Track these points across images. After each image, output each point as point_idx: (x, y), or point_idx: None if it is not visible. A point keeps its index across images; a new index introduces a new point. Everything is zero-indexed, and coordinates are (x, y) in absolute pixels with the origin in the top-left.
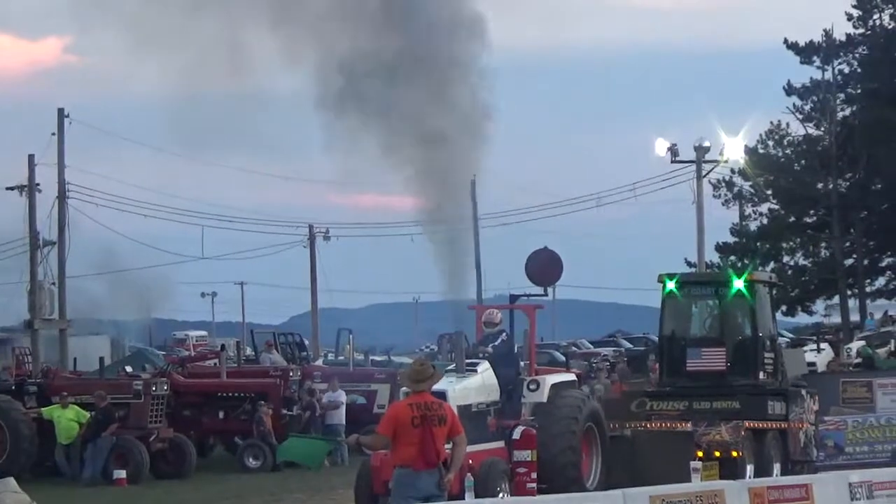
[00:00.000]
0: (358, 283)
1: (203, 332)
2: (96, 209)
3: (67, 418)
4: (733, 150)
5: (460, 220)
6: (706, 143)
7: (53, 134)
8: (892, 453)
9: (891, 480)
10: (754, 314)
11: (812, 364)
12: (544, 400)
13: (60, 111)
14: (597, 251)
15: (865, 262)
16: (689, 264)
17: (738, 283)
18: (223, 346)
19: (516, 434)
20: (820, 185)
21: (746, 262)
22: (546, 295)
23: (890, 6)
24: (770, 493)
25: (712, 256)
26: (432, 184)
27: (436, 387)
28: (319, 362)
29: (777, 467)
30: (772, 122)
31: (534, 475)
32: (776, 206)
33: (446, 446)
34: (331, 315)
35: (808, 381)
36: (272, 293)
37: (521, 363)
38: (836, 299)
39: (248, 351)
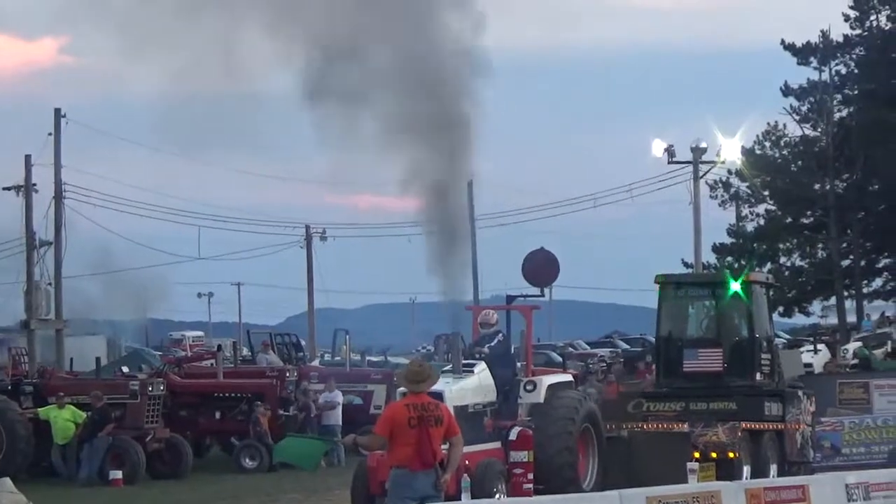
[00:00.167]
0: (354, 284)
1: (200, 333)
2: (93, 209)
3: (64, 418)
4: (730, 150)
5: (457, 220)
6: (703, 144)
7: (50, 134)
8: (889, 454)
9: (887, 482)
10: (751, 315)
11: (809, 365)
12: (541, 401)
13: (57, 111)
14: (594, 252)
15: (862, 263)
16: (686, 265)
17: (735, 285)
18: (220, 347)
19: (513, 435)
20: (817, 186)
21: (743, 263)
22: (543, 296)
23: (887, 7)
24: (767, 495)
25: (709, 257)
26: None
27: (432, 387)
28: (316, 363)
29: (774, 468)
30: (769, 123)
31: (530, 476)
32: (773, 207)
33: (443, 447)
34: (327, 315)
35: (805, 382)
36: (269, 294)
37: (518, 364)
38: (833, 300)
39: (245, 351)
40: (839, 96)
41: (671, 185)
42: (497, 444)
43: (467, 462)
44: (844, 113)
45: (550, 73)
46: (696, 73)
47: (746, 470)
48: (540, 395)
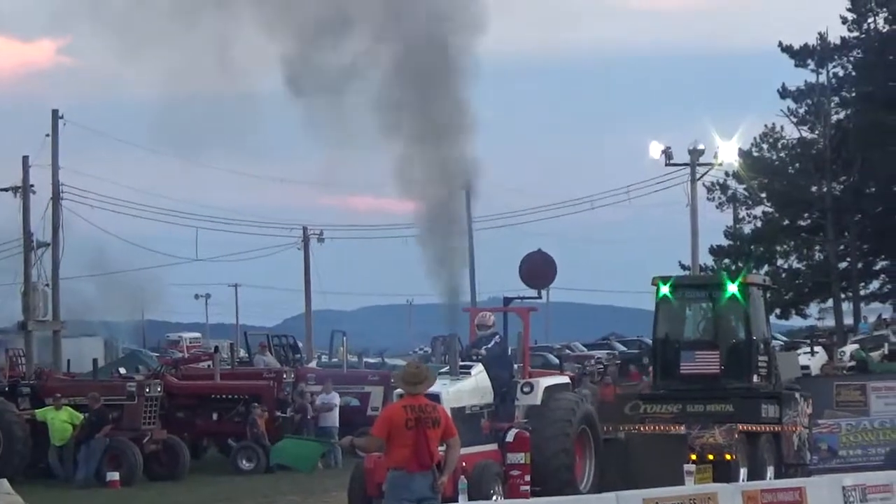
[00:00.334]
0: (352, 286)
1: (197, 334)
2: (90, 211)
3: (61, 420)
4: (727, 153)
5: (455, 221)
6: (700, 146)
7: (47, 135)
8: (886, 457)
9: (884, 484)
10: (748, 317)
11: (806, 367)
12: (538, 402)
13: (54, 112)
14: (591, 254)
15: (859, 265)
16: (683, 267)
17: (732, 287)
18: (217, 348)
19: (510, 436)
20: (814, 189)
21: (740, 265)
22: (540, 297)
23: (884, 10)
24: (763, 497)
25: (706, 259)
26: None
27: (430, 389)
28: (313, 364)
29: (770, 470)
30: (766, 126)
31: (527, 478)
32: (770, 210)
33: (440, 449)
34: (324, 317)
35: (802, 384)
36: (266, 295)
37: (515, 366)
38: (830, 302)
39: (242, 353)
40: (837, 98)
41: (668, 187)
42: (494, 446)
43: (464, 464)
44: (842, 115)
45: (547, 74)
46: (694, 74)
47: (743, 472)
48: (537, 397)
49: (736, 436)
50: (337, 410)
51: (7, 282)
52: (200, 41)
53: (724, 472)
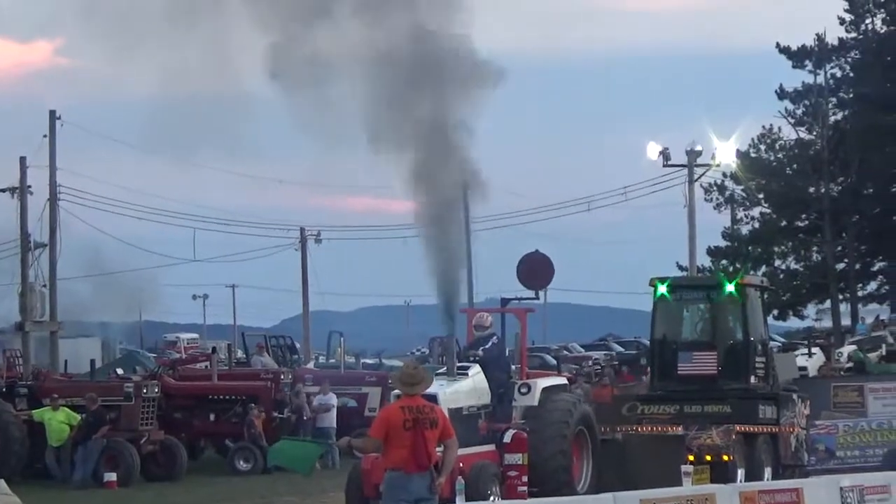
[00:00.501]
0: (349, 286)
1: (194, 335)
2: (87, 211)
3: (58, 420)
4: (725, 154)
5: (452, 221)
6: (698, 147)
7: (45, 136)
8: (883, 458)
9: (882, 485)
10: (746, 318)
11: (803, 368)
12: (535, 403)
13: (52, 113)
14: (588, 255)
15: (857, 266)
16: (681, 268)
17: (730, 287)
18: (214, 349)
19: (507, 437)
20: (812, 190)
21: (738, 265)
22: (537, 298)
23: (882, 11)
24: (761, 498)
25: (704, 260)
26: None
27: (427, 390)
28: (311, 365)
29: (768, 471)
30: (764, 127)
31: (525, 478)
32: (768, 210)
33: (438, 449)
34: (322, 318)
35: (800, 385)
36: (263, 296)
37: (512, 366)
38: (828, 303)
39: (240, 353)
40: (834, 99)
41: (666, 188)
42: (491, 447)
43: (462, 464)
44: (839, 116)
45: (545, 75)
46: (692, 75)
47: (740, 473)
48: (534, 398)
49: (733, 437)
50: (334, 411)
51: (4, 282)
52: (196, 42)
53: (721, 473)
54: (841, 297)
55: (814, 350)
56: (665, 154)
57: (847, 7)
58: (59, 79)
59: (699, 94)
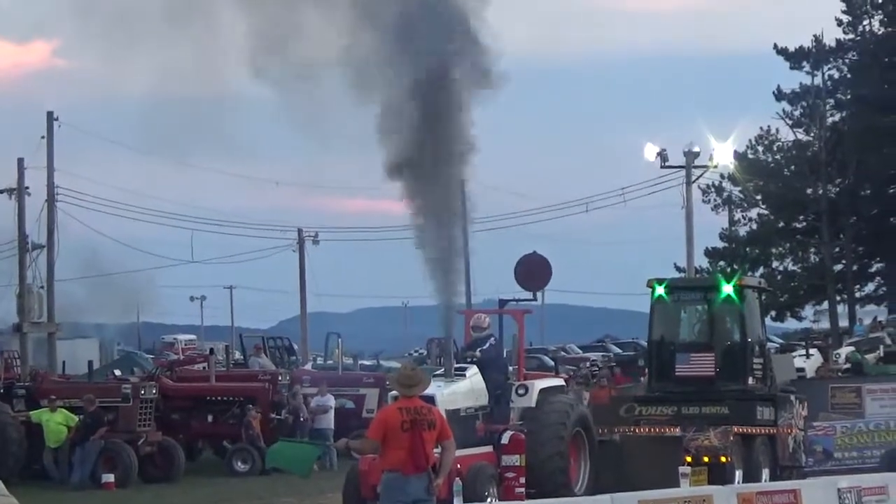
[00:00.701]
0: (347, 288)
1: (192, 336)
2: (85, 213)
3: (56, 422)
4: (723, 155)
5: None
6: (696, 149)
7: (43, 137)
8: (881, 459)
9: (879, 486)
10: (743, 319)
11: (801, 369)
12: (533, 405)
13: (49, 114)
14: (586, 256)
15: (854, 267)
16: (679, 269)
17: (728, 289)
18: (212, 350)
19: (505, 439)
20: (809, 191)
21: (736, 267)
22: (535, 299)
23: (879, 12)
24: (759, 499)
25: (702, 261)
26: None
27: (425, 391)
28: (308, 366)
29: (766, 473)
30: (761, 128)
31: (522, 479)
32: (765, 212)
33: (435, 451)
34: (320, 319)
35: (797, 386)
36: (261, 297)
37: (510, 368)
38: (826, 305)
39: (237, 355)
40: (832, 101)
41: (664, 189)
42: (489, 448)
43: (459, 466)
44: (837, 117)
45: (542, 76)
46: (689, 77)
47: (738, 474)
48: (532, 400)
49: (731, 438)
50: (332, 413)
51: (2, 284)
52: (193, 43)
53: (719, 475)
54: (839, 298)
55: (811, 351)
56: (663, 155)
57: (845, 8)
58: (56, 80)
59: (697, 96)
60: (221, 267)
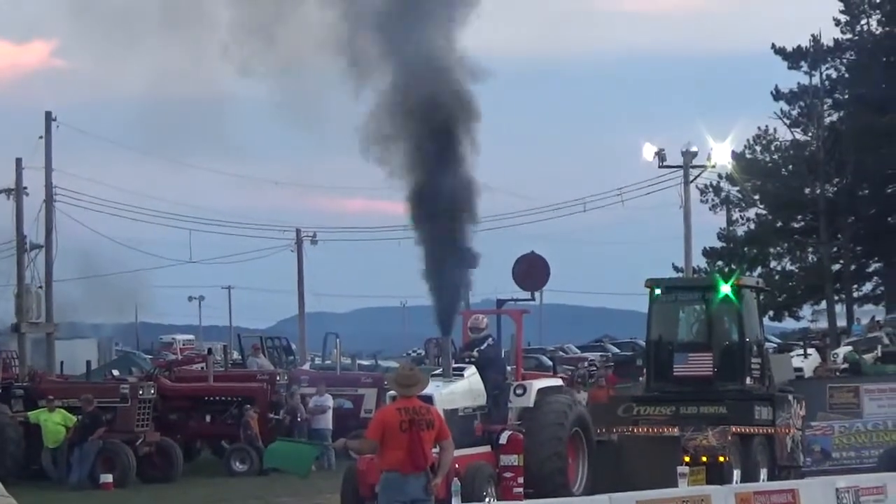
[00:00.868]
0: (345, 288)
1: (190, 336)
2: (84, 213)
3: (54, 422)
4: (721, 155)
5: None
6: (694, 149)
7: (41, 137)
8: (879, 458)
9: (877, 486)
10: (741, 319)
11: (799, 369)
12: (531, 405)
13: (48, 114)
14: (584, 256)
15: (852, 267)
16: (677, 269)
17: (726, 288)
18: (210, 350)
19: (503, 438)
20: (807, 191)
21: (734, 266)
22: (533, 299)
23: (877, 12)
24: (757, 499)
25: (699, 261)
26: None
27: (423, 391)
28: (306, 366)
29: (764, 472)
30: (759, 128)
31: (520, 479)
32: (763, 212)
33: (433, 451)
34: (318, 319)
35: (795, 386)
36: (259, 297)
37: (508, 368)
38: (824, 304)
39: (236, 355)
40: (830, 101)
41: (662, 189)
42: (487, 448)
43: (457, 465)
44: (835, 117)
45: (541, 75)
46: (687, 77)
47: (736, 474)
48: (530, 400)
49: (729, 438)
50: (330, 413)
51: (0, 284)
52: (191, 43)
53: (717, 474)
54: (836, 298)
55: (809, 351)
56: (661, 155)
57: (842, 8)
58: (55, 80)
59: (695, 96)
60: (220, 267)
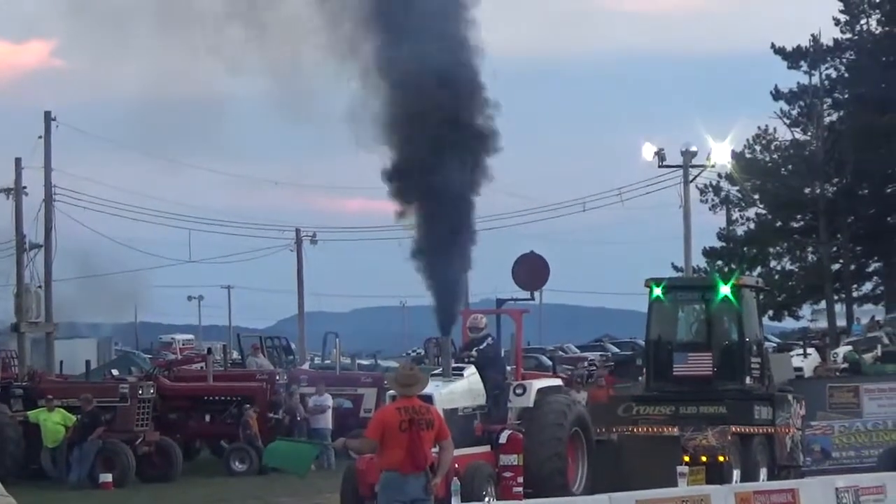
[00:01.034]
0: (345, 287)
1: (190, 336)
2: (83, 212)
3: (53, 422)
4: (720, 154)
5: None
6: (693, 148)
7: (40, 137)
8: (879, 458)
9: (877, 485)
10: (741, 319)
11: (799, 369)
12: (530, 405)
13: (47, 114)
14: (584, 255)
15: (852, 267)
16: (676, 269)
17: (725, 288)
18: (210, 350)
19: (503, 438)
20: (807, 190)
21: (733, 266)
22: (532, 299)
23: (877, 11)
24: (756, 498)
25: (699, 261)
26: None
27: (422, 391)
28: (306, 366)
29: (763, 472)
30: (759, 127)
31: (520, 479)
32: (763, 211)
33: (433, 450)
34: (317, 319)
35: (795, 386)
36: (259, 297)
37: (508, 367)
38: (823, 304)
39: (235, 354)
40: (829, 100)
41: (661, 188)
42: (487, 448)
43: (457, 465)
44: (835, 117)
45: (540, 75)
46: (687, 76)
47: (736, 474)
48: (530, 400)
49: (729, 437)
50: (330, 412)
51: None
52: (190, 43)
53: (716, 474)
54: (836, 297)
55: (809, 351)
56: (660, 155)
57: (842, 8)
58: (54, 80)
59: (695, 95)
60: (219, 267)
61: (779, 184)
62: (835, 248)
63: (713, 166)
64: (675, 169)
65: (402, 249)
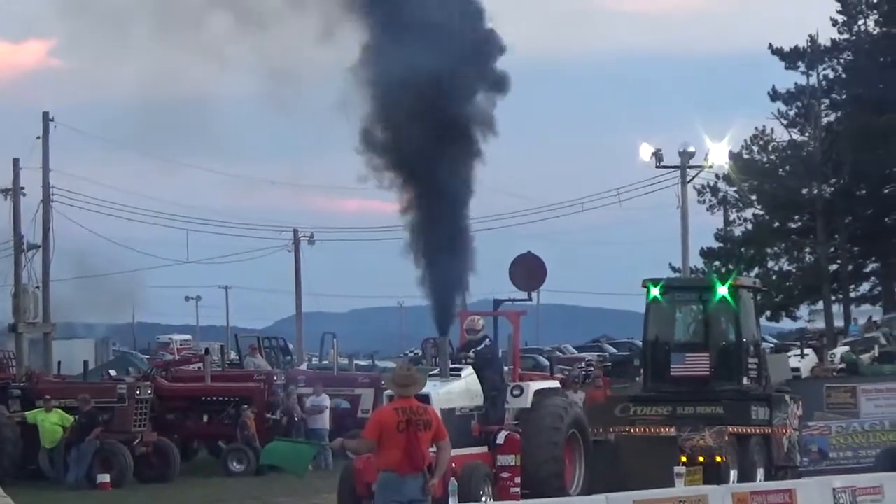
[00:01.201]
0: (342, 288)
1: (187, 336)
2: (81, 213)
3: (51, 422)
4: (718, 155)
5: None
6: (691, 149)
7: (38, 137)
8: (876, 458)
9: (874, 486)
10: (738, 319)
11: (796, 369)
12: (528, 405)
13: (45, 115)
14: (581, 256)
15: (850, 267)
16: (674, 269)
17: (723, 289)
18: (207, 350)
19: (500, 439)
20: (804, 191)
21: (731, 267)
22: (530, 300)
23: (874, 12)
24: (753, 499)
25: (697, 262)
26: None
27: (420, 391)
28: (304, 366)
29: (761, 472)
30: (756, 128)
31: (517, 480)
32: (761, 212)
33: (430, 451)
34: (315, 319)
35: (792, 386)
36: (257, 297)
37: (505, 368)
38: (821, 305)
39: (233, 355)
40: (827, 101)
41: (659, 189)
42: (484, 448)
43: (454, 465)
44: (832, 118)
45: (540, 75)
46: (686, 76)
47: (733, 474)
48: (527, 400)
49: (726, 438)
50: (327, 413)
51: None
52: (189, 43)
53: (714, 474)
54: (834, 298)
55: (806, 351)
56: (658, 155)
57: (840, 8)
58: (52, 80)
59: (693, 95)
60: (217, 267)
61: (776, 184)
62: (832, 249)
63: (711, 167)
64: (672, 169)
65: (401, 250)
